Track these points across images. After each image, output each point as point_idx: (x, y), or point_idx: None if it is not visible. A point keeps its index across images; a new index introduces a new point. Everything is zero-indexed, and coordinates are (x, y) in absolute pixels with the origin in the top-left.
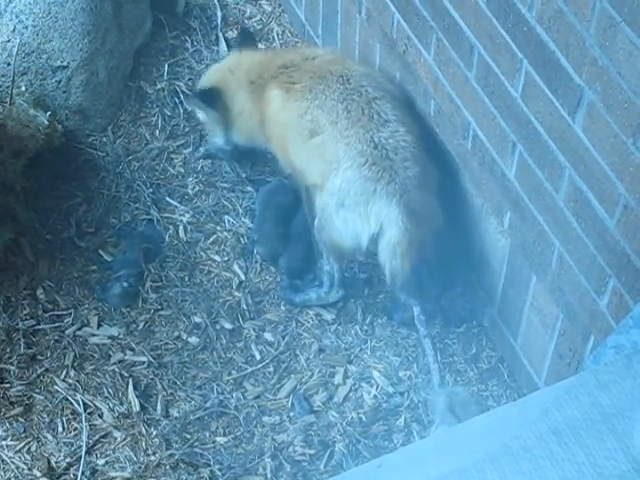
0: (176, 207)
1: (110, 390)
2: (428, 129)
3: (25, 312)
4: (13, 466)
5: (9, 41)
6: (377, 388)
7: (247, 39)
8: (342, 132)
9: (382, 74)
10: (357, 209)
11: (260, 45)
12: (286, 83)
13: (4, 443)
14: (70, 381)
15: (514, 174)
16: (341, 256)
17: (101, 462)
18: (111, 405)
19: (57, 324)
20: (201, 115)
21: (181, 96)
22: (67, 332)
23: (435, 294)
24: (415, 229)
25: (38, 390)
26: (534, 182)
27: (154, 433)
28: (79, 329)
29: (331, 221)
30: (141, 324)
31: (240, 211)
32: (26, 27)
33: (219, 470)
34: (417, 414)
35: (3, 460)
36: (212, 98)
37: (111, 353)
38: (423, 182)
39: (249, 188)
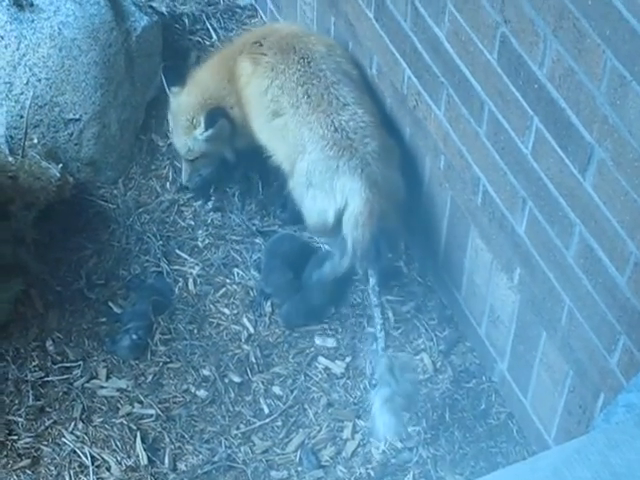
0: (186, 260)
1: (118, 443)
2: (384, 107)
3: (34, 364)
4: None
5: (22, 94)
6: (385, 443)
7: (173, 76)
8: (304, 117)
9: (341, 51)
10: (323, 186)
11: None
12: (255, 55)
13: None
14: (78, 433)
15: (524, 230)
16: (321, 233)
17: None
18: (119, 458)
19: (66, 376)
20: (212, 140)
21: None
22: (76, 384)
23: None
24: (377, 200)
25: (46, 442)
26: (544, 238)
27: None
28: (88, 381)
29: (302, 201)
30: (150, 377)
31: (249, 264)
32: (39, 80)
33: None
34: (426, 470)
35: None
36: (217, 114)
37: (119, 406)
38: (383, 156)
39: (258, 240)
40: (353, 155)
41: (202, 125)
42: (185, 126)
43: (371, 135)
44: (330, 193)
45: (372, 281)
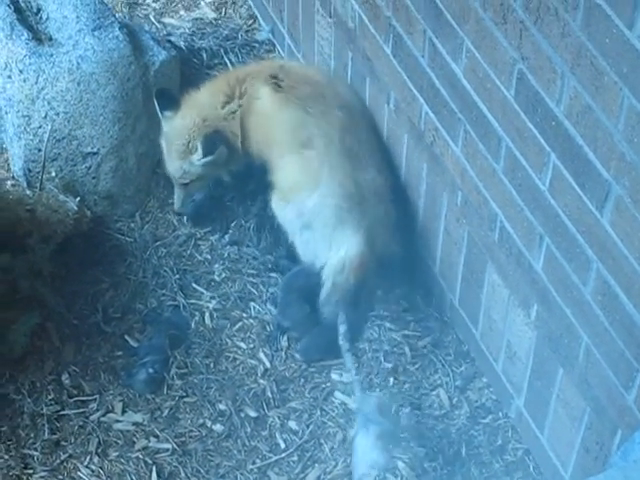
0: (202, 293)
1: (134, 477)
2: (398, 173)
3: (50, 397)
4: None
5: (40, 127)
6: (402, 479)
7: (167, 98)
8: (331, 159)
9: (369, 112)
10: (323, 232)
11: None
12: (273, 83)
13: None
14: (94, 467)
15: (541, 266)
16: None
17: None
18: None
19: (82, 410)
20: (209, 164)
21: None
22: (91, 418)
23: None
24: (370, 257)
25: (61, 476)
26: (561, 275)
27: None
28: (104, 415)
29: (292, 237)
30: (166, 411)
31: (265, 298)
32: (58, 114)
33: None
34: None
35: None
36: (215, 140)
37: (135, 440)
38: (385, 221)
39: (274, 274)
40: (363, 215)
41: (199, 150)
42: (180, 150)
43: (382, 200)
44: (326, 241)
45: (342, 328)
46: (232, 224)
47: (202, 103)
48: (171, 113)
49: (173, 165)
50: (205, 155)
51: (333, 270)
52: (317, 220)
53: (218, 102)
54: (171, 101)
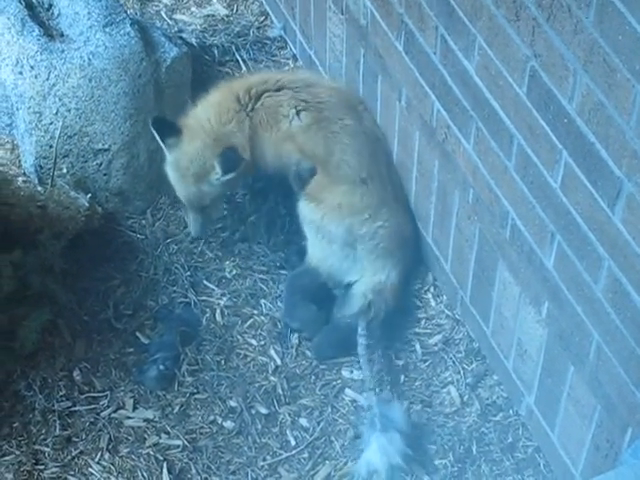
0: (213, 290)
1: (144, 474)
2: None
3: (61, 393)
4: None
5: (52, 123)
6: (412, 476)
7: (165, 126)
8: (386, 192)
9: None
10: (364, 255)
11: None
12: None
13: None
14: (104, 464)
15: (553, 264)
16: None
17: None
18: None
19: (93, 406)
20: (227, 182)
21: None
22: (102, 414)
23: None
24: (401, 290)
25: (72, 472)
26: (573, 272)
27: None
28: (115, 411)
29: (314, 241)
30: (177, 407)
31: (276, 295)
32: (69, 110)
33: None
34: None
35: None
36: (233, 157)
37: (146, 436)
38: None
39: (284, 272)
40: (403, 253)
41: (217, 169)
42: (196, 174)
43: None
44: (365, 263)
45: (363, 340)
46: (243, 221)
47: (206, 121)
48: (174, 139)
49: (189, 190)
50: (225, 173)
51: (371, 290)
52: (365, 244)
53: (224, 117)
54: (170, 128)
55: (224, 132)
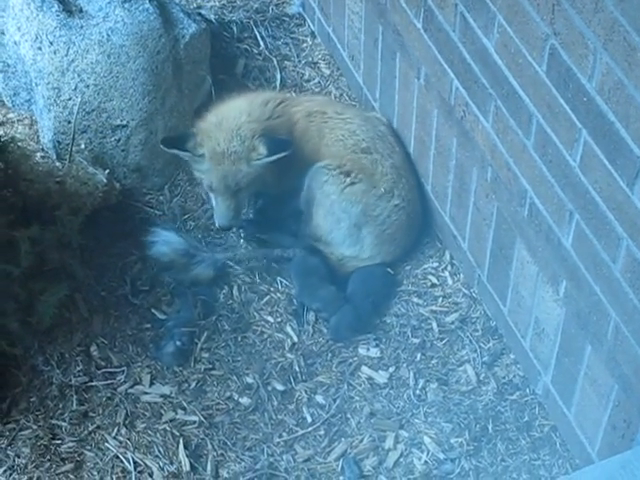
0: (230, 267)
1: (161, 449)
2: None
3: (78, 368)
4: None
5: (70, 99)
6: (428, 454)
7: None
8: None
9: None
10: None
11: None
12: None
13: None
14: (121, 439)
15: (571, 243)
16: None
17: None
18: (161, 464)
19: (110, 381)
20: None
21: None
22: (119, 390)
23: None
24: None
25: (89, 447)
26: (591, 252)
27: None
28: (131, 387)
29: (326, 213)
30: (193, 383)
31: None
32: (88, 86)
33: None
34: None
35: None
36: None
37: (162, 412)
38: None
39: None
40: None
41: (261, 149)
42: (236, 152)
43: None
44: (355, 240)
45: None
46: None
47: (229, 108)
48: (192, 141)
49: (226, 171)
50: (271, 154)
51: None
52: (373, 228)
53: (244, 109)
54: (181, 138)
55: (260, 113)
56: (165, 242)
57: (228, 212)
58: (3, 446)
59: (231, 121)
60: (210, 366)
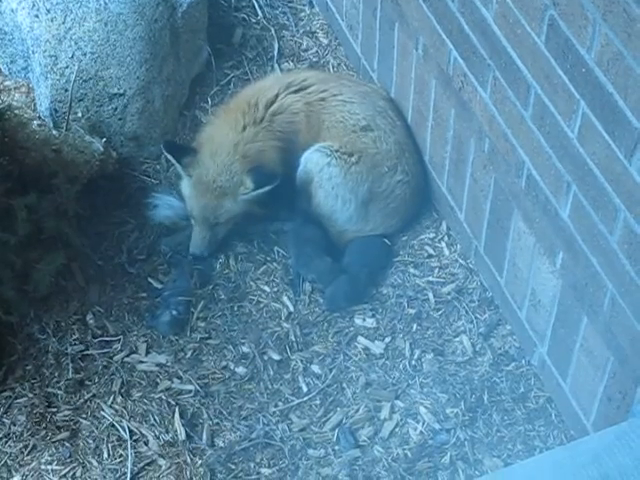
0: (227, 236)
1: (156, 418)
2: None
3: (74, 337)
4: None
5: (67, 67)
6: (423, 424)
7: (177, 149)
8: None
9: None
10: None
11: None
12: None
13: (49, 467)
14: (117, 407)
15: (568, 214)
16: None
17: None
18: (157, 433)
19: (106, 350)
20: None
21: None
22: (115, 358)
23: None
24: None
25: (85, 415)
26: (588, 223)
27: (199, 462)
28: (127, 356)
29: (328, 193)
30: (189, 352)
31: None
32: (85, 54)
33: None
34: (463, 452)
35: None
36: (266, 173)
37: (158, 381)
38: None
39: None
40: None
41: (249, 184)
42: (222, 187)
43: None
44: (362, 218)
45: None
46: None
47: (224, 133)
48: (188, 159)
49: (208, 204)
50: (257, 188)
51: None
52: (379, 203)
53: (239, 126)
54: (182, 149)
55: (243, 139)
56: (168, 206)
57: (202, 243)
58: None
59: (224, 156)
60: (206, 335)
